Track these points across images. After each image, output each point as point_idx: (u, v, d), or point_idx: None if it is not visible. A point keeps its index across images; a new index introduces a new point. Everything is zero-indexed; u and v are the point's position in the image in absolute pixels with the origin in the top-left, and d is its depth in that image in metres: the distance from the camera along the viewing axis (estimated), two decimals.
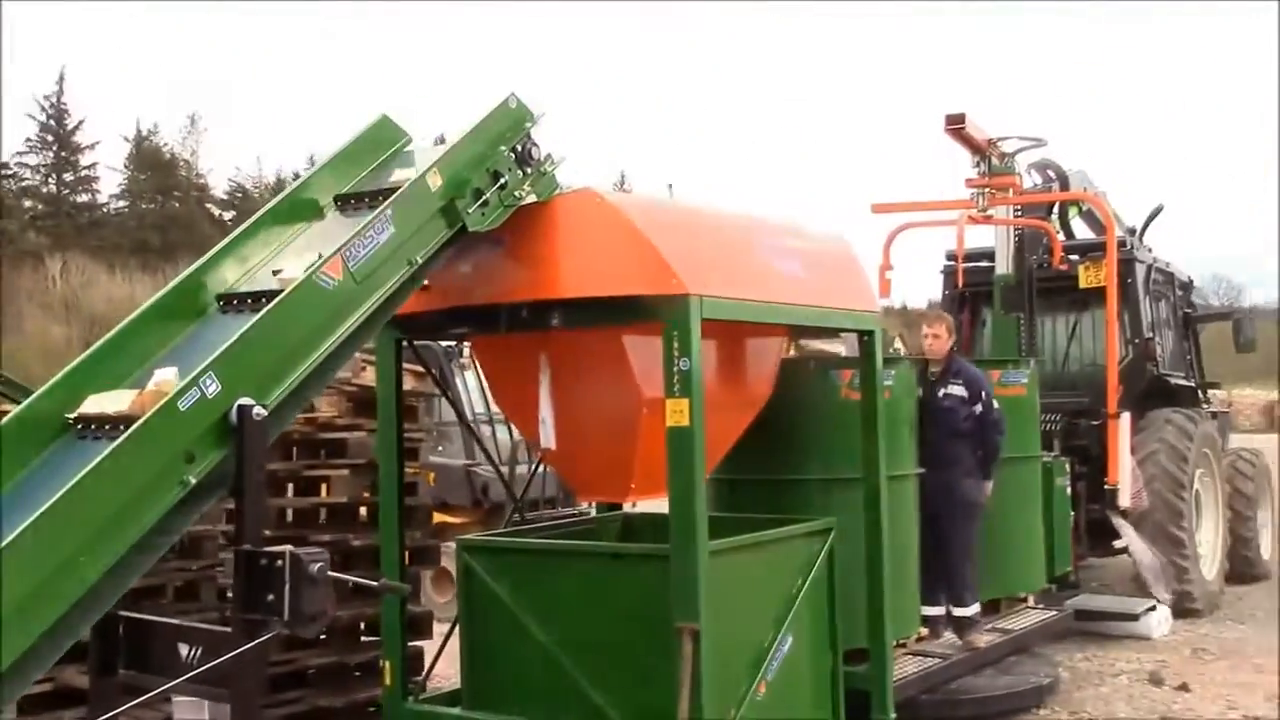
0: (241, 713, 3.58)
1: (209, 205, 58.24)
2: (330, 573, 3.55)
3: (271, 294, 3.97)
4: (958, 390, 7.23)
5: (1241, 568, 11.41)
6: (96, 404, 3.78)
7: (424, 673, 5.88)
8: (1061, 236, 10.45)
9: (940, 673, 6.80)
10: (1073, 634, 9.08)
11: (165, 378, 3.74)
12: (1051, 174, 10.45)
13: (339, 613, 5.78)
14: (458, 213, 4.52)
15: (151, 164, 55.86)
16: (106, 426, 3.67)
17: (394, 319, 4.71)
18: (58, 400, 3.76)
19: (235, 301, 4.16)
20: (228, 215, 56.69)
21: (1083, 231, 11.36)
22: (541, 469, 7.78)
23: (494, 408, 10.68)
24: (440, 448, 10.73)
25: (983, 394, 7.24)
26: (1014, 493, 7.77)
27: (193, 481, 3.51)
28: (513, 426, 10.22)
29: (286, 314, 3.83)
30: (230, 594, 5.83)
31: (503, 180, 4.66)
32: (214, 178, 58.93)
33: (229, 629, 3.66)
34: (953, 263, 10.42)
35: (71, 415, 3.76)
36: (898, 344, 11.40)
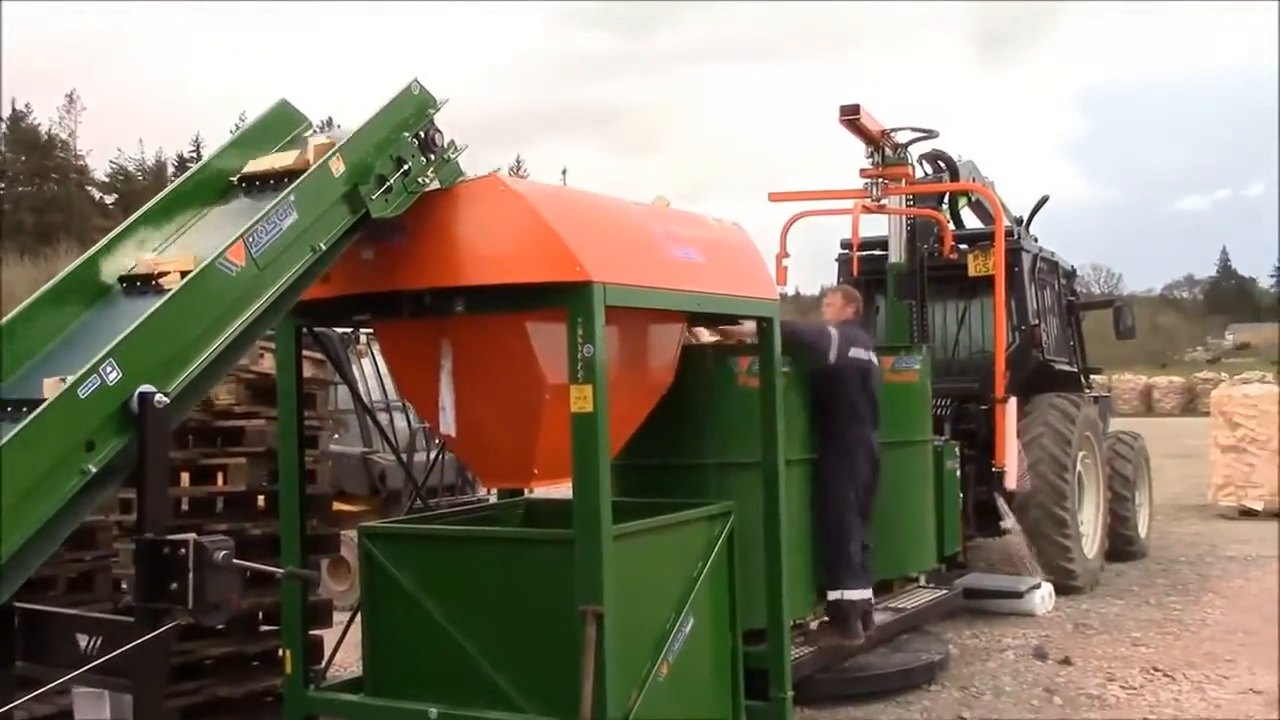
0: (145, 703, 3.56)
1: (89, 188, 56.71)
2: (236, 560, 3.54)
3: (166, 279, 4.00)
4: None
5: (1120, 546, 11.85)
6: (264, 163, 4.61)
7: (324, 661, 5.87)
8: (952, 226, 10.70)
9: (835, 651, 6.95)
10: (962, 612, 9.37)
11: (321, 140, 4.54)
12: (942, 165, 10.67)
13: (240, 601, 5.72)
14: (361, 199, 4.50)
15: (27, 144, 54.19)
16: (271, 181, 4.53)
17: (296, 306, 4.69)
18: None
19: (138, 284, 4.14)
20: (109, 199, 55.30)
21: (972, 221, 11.65)
22: (440, 456, 7.79)
23: (391, 395, 10.65)
24: (336, 435, 10.63)
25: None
26: (905, 476, 7.95)
27: (93, 470, 3.47)
28: (411, 414, 10.22)
29: (188, 300, 3.80)
30: (126, 585, 5.79)
31: (406, 166, 4.66)
32: (94, 159, 57.42)
33: (130, 618, 3.62)
34: (848, 251, 10.62)
35: (235, 177, 4.66)
36: None
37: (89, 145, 57.91)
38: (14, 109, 54.48)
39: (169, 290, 3.86)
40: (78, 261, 4.21)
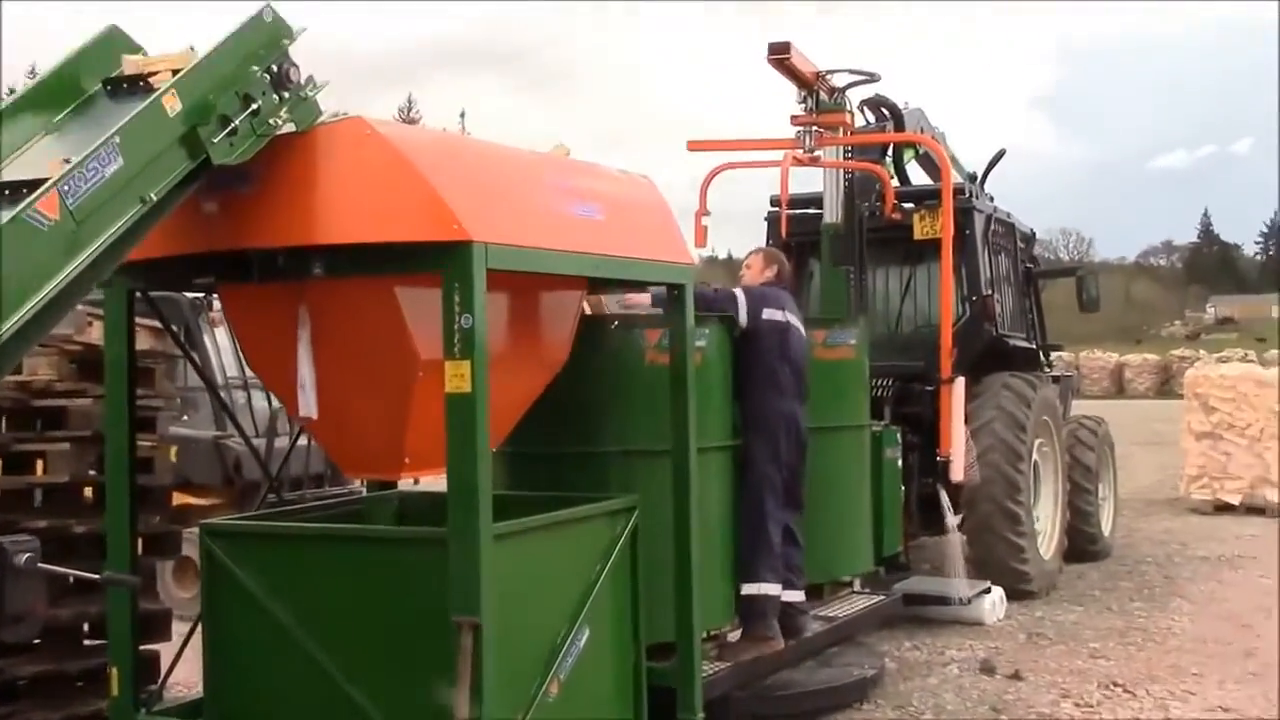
0: None
1: None
2: (43, 564, 3.47)
3: None
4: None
5: (1081, 544, 12.07)
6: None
7: (160, 680, 5.79)
8: (895, 182, 10.77)
9: (753, 666, 6.99)
10: (901, 620, 9.48)
11: None
12: (885, 112, 10.75)
13: (56, 612, 5.64)
14: (201, 142, 4.41)
15: None
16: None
17: (127, 266, 4.61)
18: None
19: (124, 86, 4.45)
20: None
21: (920, 178, 11.75)
22: (306, 441, 7.71)
23: (250, 371, 10.52)
24: (185, 417, 10.49)
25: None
26: (839, 465, 8.01)
27: None
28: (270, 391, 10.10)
29: None
30: None
31: (255, 106, 4.57)
32: None
33: None
34: (777, 209, 10.64)
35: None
36: None
37: None
38: None
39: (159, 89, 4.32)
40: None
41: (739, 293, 7.12)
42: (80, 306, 5.20)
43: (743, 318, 6.98)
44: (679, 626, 5.93)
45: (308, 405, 5.13)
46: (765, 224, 11.36)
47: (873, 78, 10.16)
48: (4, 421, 6.14)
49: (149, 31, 4.95)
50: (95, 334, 6.24)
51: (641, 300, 6.80)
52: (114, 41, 4.88)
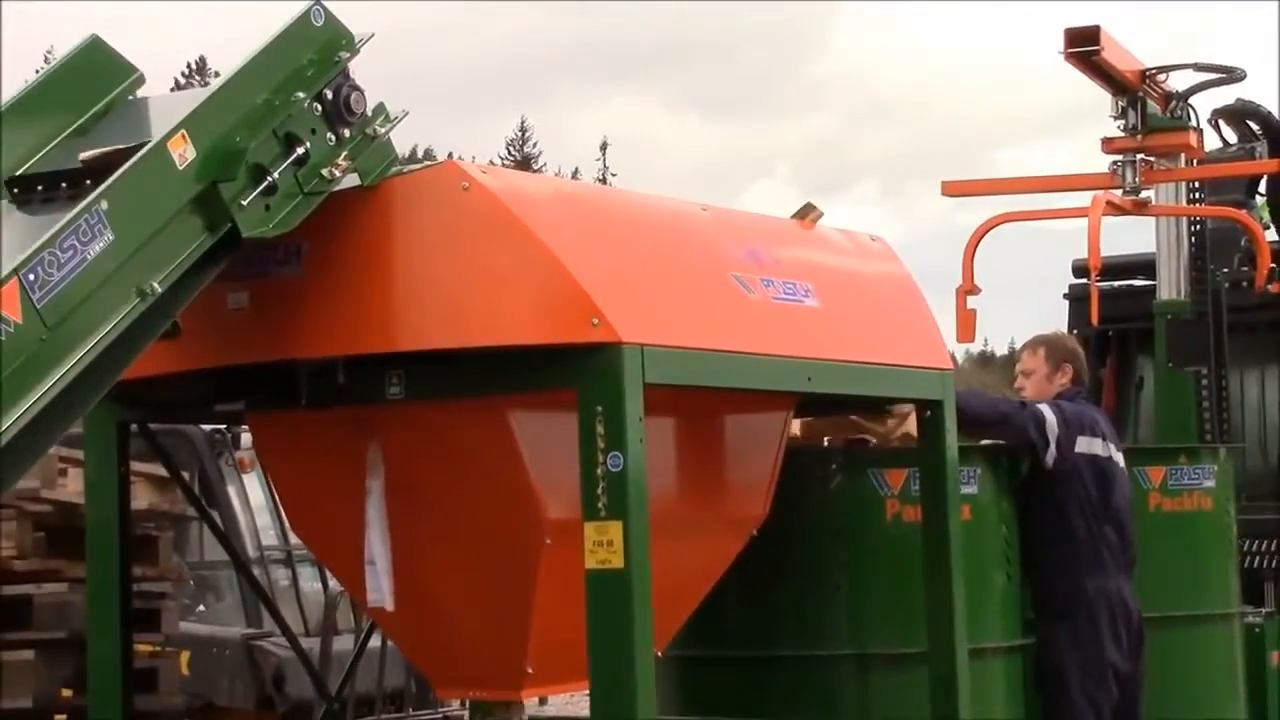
0: None
1: None
2: None
3: None
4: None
5: None
6: None
7: None
8: (1274, 235, 10.58)
9: None
10: None
11: None
12: (1255, 128, 10.59)
13: None
14: (224, 206, 4.54)
15: None
16: None
17: (118, 389, 4.73)
18: None
19: None
20: None
21: None
22: (381, 643, 7.81)
23: (296, 538, 10.70)
24: (202, 608, 10.68)
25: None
26: (1193, 678, 7.85)
27: None
28: (326, 568, 10.25)
29: None
30: None
31: (301, 150, 4.70)
32: None
33: None
34: (1084, 280, 10.51)
35: None
36: None
37: None
38: None
39: None
40: None
41: (1048, 411, 7.06)
42: (51, 450, 5.35)
43: (1051, 453, 6.95)
44: None
45: (379, 590, 5.21)
46: (1068, 304, 11.24)
47: (1232, 75, 9.97)
48: None
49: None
50: (72, 488, 6.43)
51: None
52: (98, 59, 5.07)
